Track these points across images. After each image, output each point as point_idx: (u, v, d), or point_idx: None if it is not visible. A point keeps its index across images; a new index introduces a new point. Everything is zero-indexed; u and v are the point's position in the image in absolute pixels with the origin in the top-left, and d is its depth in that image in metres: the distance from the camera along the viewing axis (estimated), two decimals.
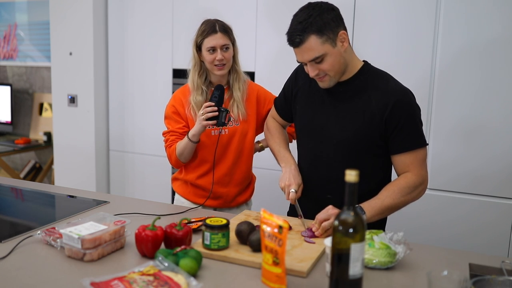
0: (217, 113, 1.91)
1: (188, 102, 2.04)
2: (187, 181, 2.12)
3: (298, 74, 1.84)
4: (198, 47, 2.00)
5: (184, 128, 2.05)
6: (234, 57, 2.05)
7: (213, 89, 2.00)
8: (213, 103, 1.91)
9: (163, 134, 2.10)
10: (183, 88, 2.12)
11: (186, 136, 1.97)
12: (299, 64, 1.76)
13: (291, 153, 1.86)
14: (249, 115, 2.08)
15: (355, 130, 1.64)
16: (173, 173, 2.24)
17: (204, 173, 2.07)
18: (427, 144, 1.66)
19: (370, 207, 1.58)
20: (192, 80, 2.04)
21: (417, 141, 1.63)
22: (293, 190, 1.68)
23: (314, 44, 1.53)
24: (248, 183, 2.18)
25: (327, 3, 1.60)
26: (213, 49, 1.96)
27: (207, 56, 1.97)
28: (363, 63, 1.70)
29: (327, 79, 1.62)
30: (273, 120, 1.99)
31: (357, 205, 1.60)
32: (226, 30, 1.99)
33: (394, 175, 1.77)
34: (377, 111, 1.61)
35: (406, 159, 1.63)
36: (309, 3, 1.60)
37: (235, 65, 2.06)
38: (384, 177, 1.76)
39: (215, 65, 1.98)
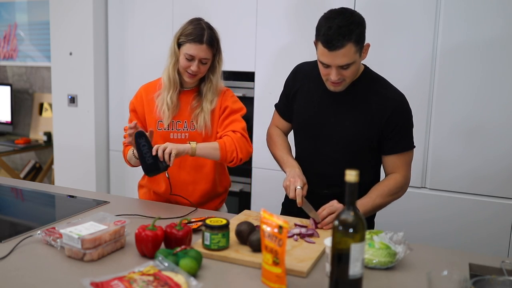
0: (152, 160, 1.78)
1: (156, 100, 1.91)
2: (150, 189, 2.05)
3: (296, 76, 1.89)
4: (178, 45, 1.87)
5: None
6: (214, 69, 1.91)
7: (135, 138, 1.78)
8: (143, 152, 1.78)
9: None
10: (148, 85, 1.99)
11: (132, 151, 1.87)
12: (297, 65, 1.90)
13: (294, 159, 1.86)
14: (213, 127, 1.94)
15: (355, 130, 1.74)
16: None
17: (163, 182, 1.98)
18: (414, 147, 1.79)
19: (362, 205, 1.68)
20: (169, 76, 1.89)
21: (408, 145, 1.77)
22: (299, 187, 1.67)
23: (350, 51, 1.58)
24: (218, 194, 2.05)
25: (357, 12, 1.65)
26: (191, 58, 1.83)
27: (182, 60, 1.85)
28: (363, 67, 1.79)
29: (343, 84, 1.69)
30: (274, 127, 1.99)
31: None
32: (212, 43, 1.85)
33: (383, 172, 1.85)
34: (376, 114, 1.71)
35: (396, 160, 1.76)
36: (344, 9, 1.63)
37: (211, 76, 1.91)
38: (375, 174, 1.87)
39: (187, 72, 1.86)
